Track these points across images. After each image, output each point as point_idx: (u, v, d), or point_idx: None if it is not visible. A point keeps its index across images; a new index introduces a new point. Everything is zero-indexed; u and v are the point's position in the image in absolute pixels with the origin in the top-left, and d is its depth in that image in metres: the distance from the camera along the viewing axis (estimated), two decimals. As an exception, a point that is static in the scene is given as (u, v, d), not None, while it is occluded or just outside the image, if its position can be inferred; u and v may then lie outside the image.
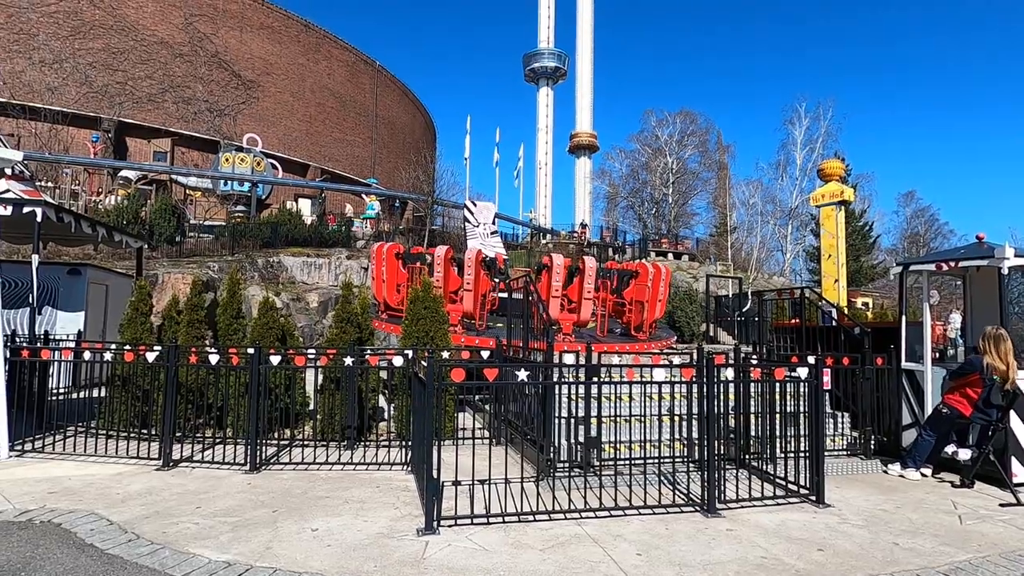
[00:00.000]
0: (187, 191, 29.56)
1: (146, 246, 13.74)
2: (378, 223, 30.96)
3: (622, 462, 5.62)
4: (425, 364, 5.88)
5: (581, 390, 5.41)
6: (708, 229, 56.16)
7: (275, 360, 5.93)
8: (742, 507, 4.77)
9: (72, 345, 8.37)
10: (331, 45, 42.01)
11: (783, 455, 5.47)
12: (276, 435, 6.88)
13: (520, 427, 6.67)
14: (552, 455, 5.31)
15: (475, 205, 16.29)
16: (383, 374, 7.22)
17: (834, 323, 8.08)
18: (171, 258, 20.26)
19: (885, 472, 6.26)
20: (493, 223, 16.20)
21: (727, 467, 5.63)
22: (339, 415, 6.88)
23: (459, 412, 7.63)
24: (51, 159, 25.15)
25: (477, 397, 8.73)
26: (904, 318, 6.80)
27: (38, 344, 8.29)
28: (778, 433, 5.39)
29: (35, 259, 9.84)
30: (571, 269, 11.14)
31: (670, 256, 40.38)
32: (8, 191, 10.01)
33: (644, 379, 4.82)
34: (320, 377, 7.07)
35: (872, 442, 6.59)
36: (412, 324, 7.36)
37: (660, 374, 4.66)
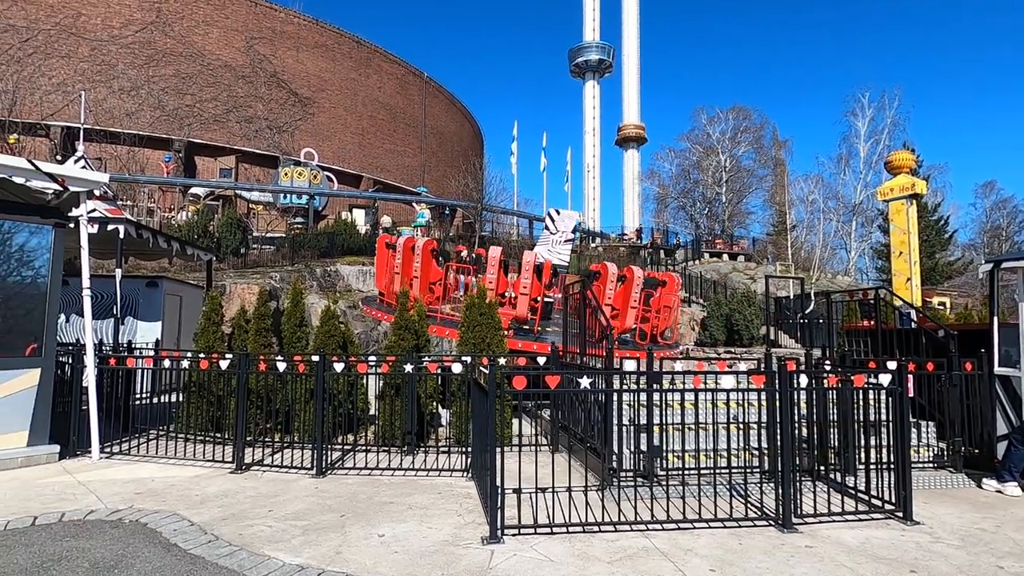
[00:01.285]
0: (250, 205, 31.07)
1: (214, 258, 14.52)
2: (428, 230, 31.53)
3: (687, 472, 5.44)
4: (485, 371, 5.90)
5: (642, 397, 5.27)
6: (764, 228, 54.09)
7: (338, 367, 6.09)
8: (820, 522, 4.50)
9: (152, 354, 8.90)
10: (381, 59, 43.26)
11: (862, 467, 5.14)
12: (339, 440, 7.06)
13: (578, 434, 6.58)
14: (614, 464, 5.20)
15: (558, 213, 16.22)
16: (439, 380, 7.30)
17: (913, 325, 7.55)
18: (236, 269, 21.30)
19: (979, 487, 5.77)
20: (572, 232, 16.08)
21: (801, 479, 5.35)
22: (399, 421, 6.99)
23: (514, 418, 7.62)
24: (129, 179, 27.05)
25: (531, 403, 8.69)
26: (996, 319, 6.27)
27: (122, 353, 8.87)
28: (858, 443, 5.06)
29: (118, 273, 10.57)
30: (618, 277, 11.08)
31: (725, 257, 39.12)
32: (95, 210, 10.82)
33: (713, 386, 4.64)
34: (380, 383, 7.22)
35: (961, 454, 6.10)
36: (468, 330, 7.40)
37: (728, 381, 4.46)
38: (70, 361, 7.05)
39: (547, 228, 15.96)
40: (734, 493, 5.07)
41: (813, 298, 23.01)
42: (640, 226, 45.55)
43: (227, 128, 34.71)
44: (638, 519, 4.44)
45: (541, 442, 7.25)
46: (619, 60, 55.34)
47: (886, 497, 4.73)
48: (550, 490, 4.83)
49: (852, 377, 4.63)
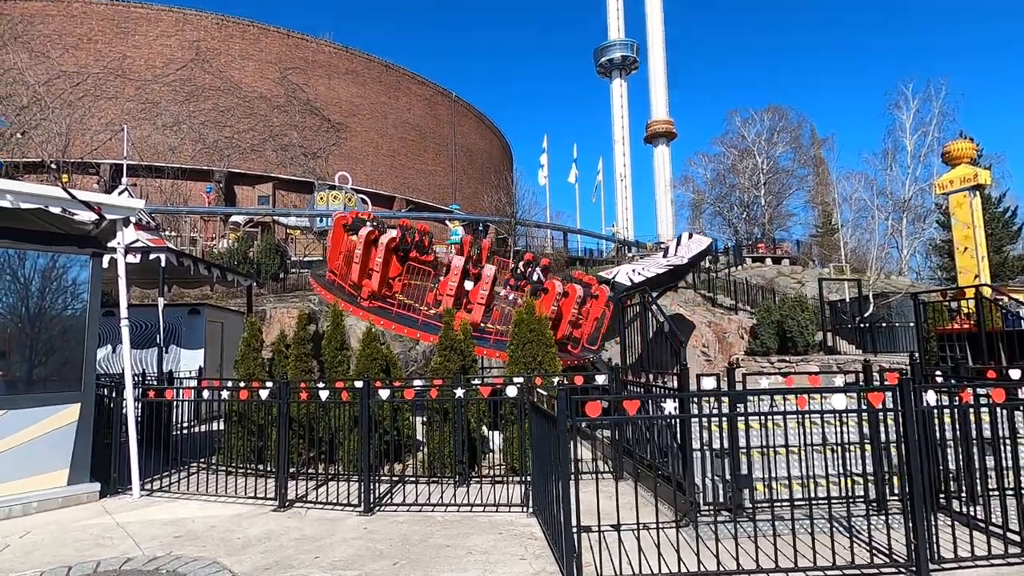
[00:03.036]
0: (288, 230, 31.58)
1: (254, 283, 14.51)
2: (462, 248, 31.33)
3: (779, 504, 4.76)
4: (543, 392, 5.38)
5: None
6: (807, 230, 52.07)
7: (384, 394, 5.66)
8: (961, 567, 3.75)
9: (193, 384, 8.70)
10: (409, 81, 43.87)
11: (990, 495, 4.37)
12: (386, 470, 6.63)
13: (646, 459, 5.95)
14: (697, 496, 4.57)
15: (690, 237, 14.74)
16: (489, 404, 6.81)
17: (1025, 326, 6.66)
18: (276, 293, 21.45)
19: None
20: (701, 256, 13.90)
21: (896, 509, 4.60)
22: (447, 448, 6.52)
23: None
24: (172, 211, 27.82)
25: (584, 424, 8.09)
26: None
27: (164, 383, 8.72)
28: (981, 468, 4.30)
29: (161, 302, 10.52)
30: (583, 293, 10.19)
31: (768, 261, 37.63)
32: (136, 240, 10.86)
33: (819, 408, 3.98)
34: (427, 408, 6.77)
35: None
36: (518, 349, 6.90)
37: (839, 401, 3.80)
38: (111, 394, 6.87)
39: (664, 249, 14.77)
40: (839, 529, 4.36)
41: (872, 300, 21.66)
42: (683, 234, 44.53)
43: (264, 157, 35.59)
44: (740, 569, 3.80)
45: (602, 468, 6.65)
46: (644, 56, 55.15)
47: (1032, 533, 3.94)
48: (625, 527, 4.25)
49: (991, 391, 3.90)
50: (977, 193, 21.41)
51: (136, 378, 7.37)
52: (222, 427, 7.38)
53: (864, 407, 3.96)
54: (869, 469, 4.74)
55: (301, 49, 38.60)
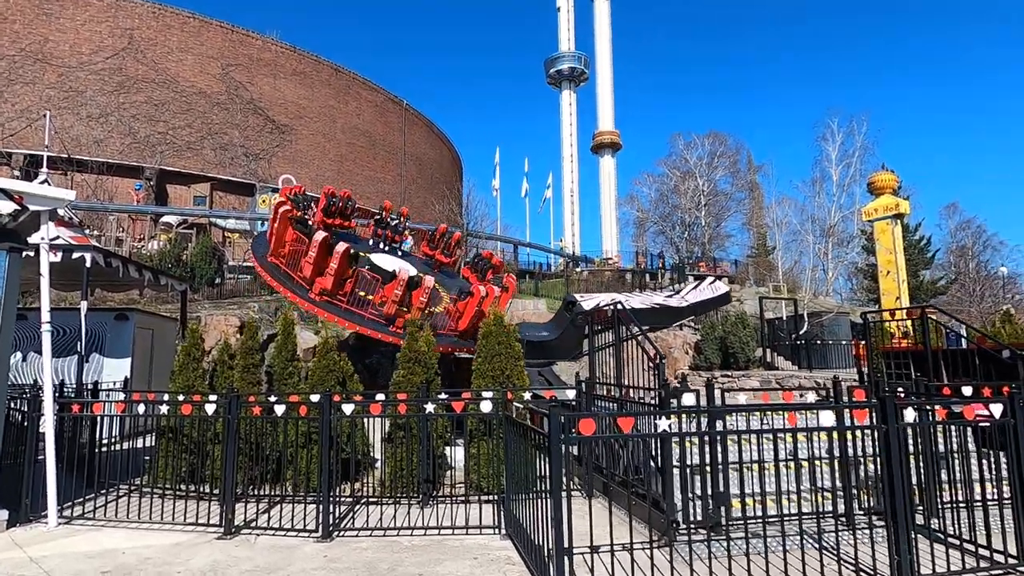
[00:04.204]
0: (225, 233, 29.92)
1: (188, 288, 13.51)
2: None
3: (753, 521, 4.74)
4: (519, 407, 5.17)
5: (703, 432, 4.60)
6: (743, 251, 54.69)
7: (348, 409, 5.27)
8: (936, 582, 3.82)
9: (121, 396, 7.89)
10: (360, 87, 42.97)
11: (947, 507, 4.53)
12: (340, 489, 6.18)
13: (617, 476, 5.84)
14: (677, 516, 4.48)
15: (713, 281, 13.48)
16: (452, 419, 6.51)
17: (966, 345, 7.09)
18: (212, 300, 20.16)
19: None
20: (708, 304, 13.27)
21: (875, 523, 4.70)
22: (409, 466, 6.16)
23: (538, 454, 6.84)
24: (98, 207, 25.75)
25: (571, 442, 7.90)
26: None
27: (87, 395, 7.86)
28: (949, 481, 4.45)
29: (83, 305, 9.54)
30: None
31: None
32: (58, 237, 9.83)
33: (805, 425, 3.98)
34: (387, 424, 6.40)
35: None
36: (486, 362, 6.66)
37: (827, 418, 3.81)
38: (24, 408, 6.06)
39: (675, 286, 14.26)
40: (813, 544, 4.38)
41: (807, 319, 22.85)
42: (647, 250, 45.75)
43: (201, 155, 33.67)
44: (727, 588, 3.71)
45: (571, 486, 6.47)
46: (593, 70, 57.20)
47: (995, 546, 4.09)
48: (605, 549, 4.09)
49: (961, 410, 4.03)
50: (898, 221, 23.09)
51: (53, 391, 6.58)
52: (150, 443, 6.69)
53: (852, 425, 3.99)
54: (828, 484, 4.82)
55: (245, 46, 37.02)
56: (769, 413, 4.33)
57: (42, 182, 11.93)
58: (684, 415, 4.76)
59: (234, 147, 34.68)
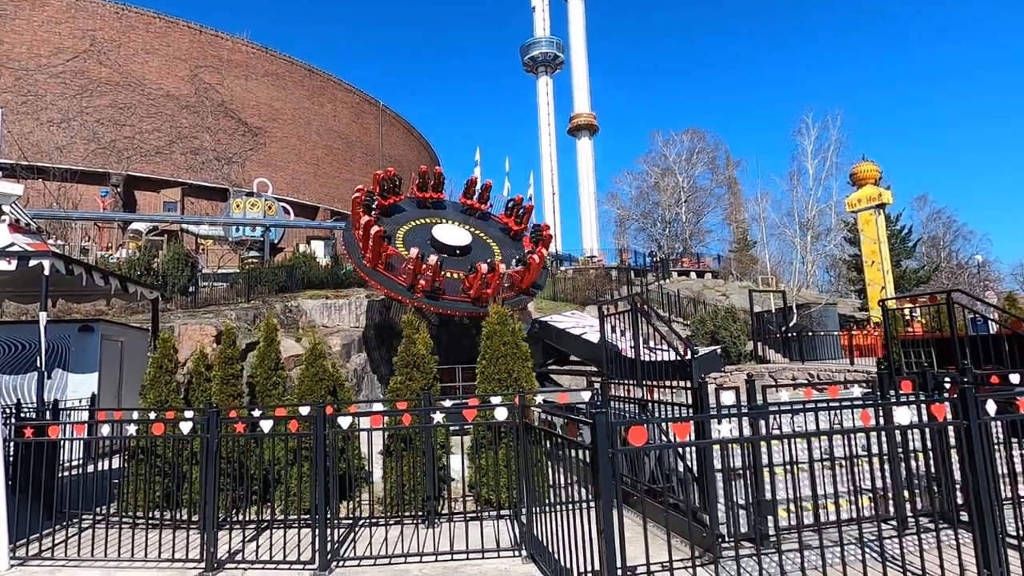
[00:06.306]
0: (198, 240, 28.81)
1: (160, 297, 12.68)
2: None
3: (807, 531, 4.29)
4: (541, 414, 4.65)
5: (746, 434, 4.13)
6: (724, 245, 55.10)
7: (344, 422, 4.69)
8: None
9: (85, 417, 7.15)
10: (335, 88, 42.04)
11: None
12: (335, 510, 5.59)
13: (643, 484, 5.35)
14: (721, 528, 4.01)
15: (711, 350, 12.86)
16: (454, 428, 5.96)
17: (996, 330, 6.79)
18: (185, 309, 19.20)
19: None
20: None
21: (925, 527, 4.30)
22: (414, 483, 5.60)
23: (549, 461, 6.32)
24: (60, 215, 24.50)
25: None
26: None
27: (47, 416, 7.11)
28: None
29: (43, 317, 8.72)
30: None
31: (692, 275, 39.18)
32: (12, 244, 9.01)
33: (873, 425, 3.54)
34: (385, 436, 5.82)
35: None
36: (491, 364, 6.12)
37: (903, 415, 3.36)
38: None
39: (617, 329, 13.99)
40: (874, 555, 3.95)
41: (796, 311, 22.75)
42: (624, 248, 45.71)
43: (171, 160, 32.46)
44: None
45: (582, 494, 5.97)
46: (568, 56, 57.89)
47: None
48: (642, 569, 3.60)
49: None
50: (881, 211, 23.11)
51: (8, 410, 5.86)
52: (119, 464, 6.00)
53: (929, 422, 3.57)
54: (880, 485, 4.40)
55: (215, 47, 35.86)
56: (823, 411, 3.88)
57: (-6, 183, 11.02)
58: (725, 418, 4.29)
59: (205, 151, 33.52)
